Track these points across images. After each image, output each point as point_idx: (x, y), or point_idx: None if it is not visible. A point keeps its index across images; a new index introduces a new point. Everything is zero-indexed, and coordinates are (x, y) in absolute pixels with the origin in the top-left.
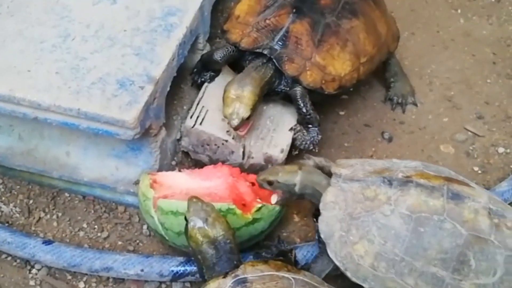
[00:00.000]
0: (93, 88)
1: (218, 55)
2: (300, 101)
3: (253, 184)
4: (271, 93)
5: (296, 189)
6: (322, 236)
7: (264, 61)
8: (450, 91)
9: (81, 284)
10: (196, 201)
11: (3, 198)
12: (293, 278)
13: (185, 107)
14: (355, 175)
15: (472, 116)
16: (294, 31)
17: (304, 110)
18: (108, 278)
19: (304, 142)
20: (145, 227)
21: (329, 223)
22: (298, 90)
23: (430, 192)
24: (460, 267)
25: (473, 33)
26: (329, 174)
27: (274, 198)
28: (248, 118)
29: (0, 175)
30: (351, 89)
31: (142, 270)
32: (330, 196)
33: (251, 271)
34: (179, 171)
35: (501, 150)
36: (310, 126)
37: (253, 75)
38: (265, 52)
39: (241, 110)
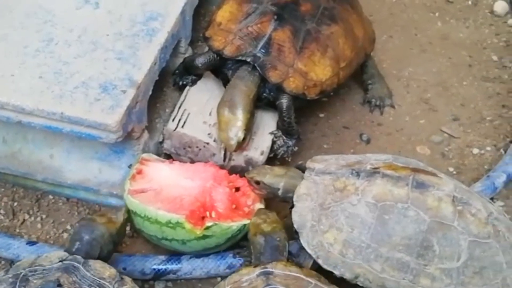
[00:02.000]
0: (76, 92)
1: (199, 61)
2: (285, 113)
3: (237, 189)
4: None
5: (279, 193)
6: (295, 226)
7: (249, 69)
8: (427, 94)
9: None
10: (264, 210)
11: None
12: (315, 283)
13: (167, 110)
14: (327, 169)
15: (448, 118)
16: (276, 38)
17: (288, 122)
18: None
19: (281, 148)
20: (128, 228)
21: (301, 214)
22: (284, 101)
23: (395, 181)
24: (424, 252)
25: (450, 36)
26: None
27: (258, 206)
28: (244, 138)
29: None
30: (332, 93)
31: (124, 269)
32: (303, 188)
33: (280, 268)
34: (172, 161)
35: (475, 151)
36: (289, 136)
37: (242, 90)
38: (249, 59)
39: (236, 133)
